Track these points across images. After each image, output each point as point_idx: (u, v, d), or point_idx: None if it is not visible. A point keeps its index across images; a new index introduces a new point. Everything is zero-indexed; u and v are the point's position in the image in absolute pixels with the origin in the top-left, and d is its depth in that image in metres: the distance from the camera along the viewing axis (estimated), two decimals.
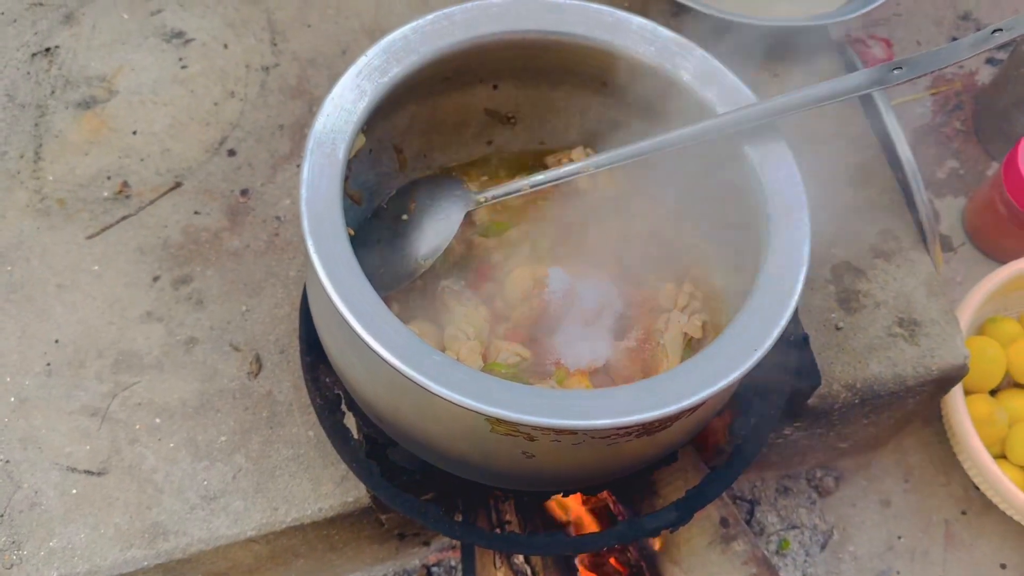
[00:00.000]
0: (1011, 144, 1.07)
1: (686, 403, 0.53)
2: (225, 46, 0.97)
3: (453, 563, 0.98)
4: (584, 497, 0.91)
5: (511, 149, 0.76)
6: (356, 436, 0.71)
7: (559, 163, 0.74)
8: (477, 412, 0.52)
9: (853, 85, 0.64)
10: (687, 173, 0.71)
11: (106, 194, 0.88)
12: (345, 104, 0.62)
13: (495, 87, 0.73)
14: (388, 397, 0.61)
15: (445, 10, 0.65)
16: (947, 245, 1.17)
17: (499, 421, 0.54)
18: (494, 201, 0.68)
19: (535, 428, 0.54)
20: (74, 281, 0.84)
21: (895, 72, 0.63)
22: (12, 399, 0.79)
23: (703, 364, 0.55)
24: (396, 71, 0.64)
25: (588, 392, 0.55)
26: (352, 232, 0.59)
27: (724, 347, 0.56)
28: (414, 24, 0.65)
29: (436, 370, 0.52)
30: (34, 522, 0.75)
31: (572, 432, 0.55)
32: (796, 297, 0.58)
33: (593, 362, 0.67)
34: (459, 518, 0.76)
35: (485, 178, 0.75)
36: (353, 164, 0.63)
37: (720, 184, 0.69)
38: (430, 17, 0.65)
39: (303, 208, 0.57)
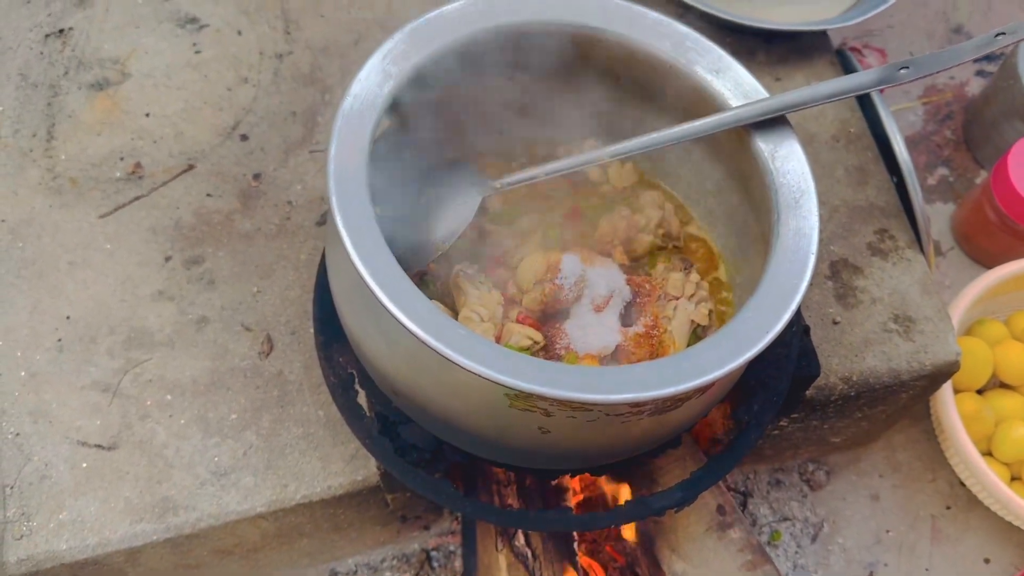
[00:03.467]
0: (1000, 153, 1.11)
1: (702, 380, 0.55)
2: (239, 33, 0.98)
3: (452, 548, 0.99)
4: (581, 486, 0.93)
5: (525, 139, 0.78)
6: (368, 414, 0.72)
7: (571, 154, 0.75)
8: (500, 384, 0.53)
9: (861, 83, 0.66)
10: (697, 165, 0.73)
11: (119, 174, 0.89)
12: (371, 86, 0.63)
13: (511, 77, 0.74)
14: (407, 370, 0.62)
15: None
16: (936, 250, 1.20)
17: (518, 395, 0.55)
18: (509, 188, 0.70)
19: (554, 402, 0.55)
20: (86, 259, 0.85)
21: (902, 71, 0.65)
22: (23, 373, 0.79)
23: (717, 344, 0.57)
24: (419, 57, 0.65)
25: (607, 369, 0.56)
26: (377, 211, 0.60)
27: (737, 329, 0.58)
28: (437, 12, 0.67)
29: (460, 342, 0.54)
30: (44, 494, 0.75)
31: (589, 407, 0.57)
32: (806, 283, 0.60)
33: (603, 348, 0.69)
34: None
35: (500, 166, 0.77)
36: (376, 146, 0.64)
37: (730, 176, 0.71)
38: (455, 5, 0.67)
39: (331, 184, 0.58)
